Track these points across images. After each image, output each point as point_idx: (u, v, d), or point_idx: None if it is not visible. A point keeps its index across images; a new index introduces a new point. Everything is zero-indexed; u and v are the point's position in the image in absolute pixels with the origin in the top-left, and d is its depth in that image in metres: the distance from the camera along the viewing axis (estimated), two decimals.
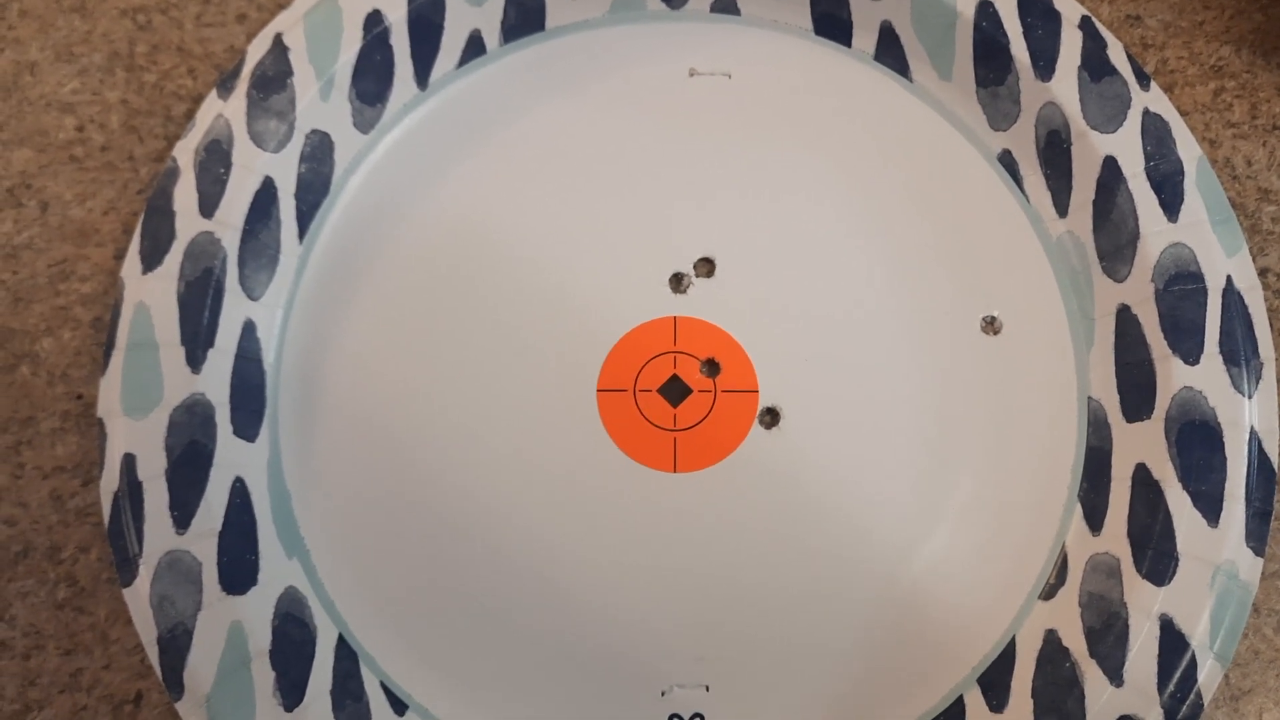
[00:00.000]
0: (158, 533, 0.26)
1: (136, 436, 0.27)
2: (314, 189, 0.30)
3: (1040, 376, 0.29)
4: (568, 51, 0.32)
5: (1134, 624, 0.26)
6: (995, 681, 0.27)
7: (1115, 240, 0.28)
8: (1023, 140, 0.30)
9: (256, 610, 0.27)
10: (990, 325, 0.29)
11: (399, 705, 0.28)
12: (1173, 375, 0.27)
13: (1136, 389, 0.28)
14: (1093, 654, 0.26)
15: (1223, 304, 0.27)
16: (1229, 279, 0.28)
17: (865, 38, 0.31)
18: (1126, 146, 0.28)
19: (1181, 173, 0.28)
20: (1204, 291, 0.27)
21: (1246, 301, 0.28)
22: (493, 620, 0.28)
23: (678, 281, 0.30)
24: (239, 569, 0.27)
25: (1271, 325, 0.29)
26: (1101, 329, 0.29)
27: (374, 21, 0.30)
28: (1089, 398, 0.29)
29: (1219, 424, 0.27)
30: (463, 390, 0.29)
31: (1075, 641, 0.27)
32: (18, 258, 0.30)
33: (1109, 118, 0.29)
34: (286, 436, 0.29)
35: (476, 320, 0.30)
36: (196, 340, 0.28)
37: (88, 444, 0.29)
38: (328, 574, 0.28)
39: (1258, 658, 0.28)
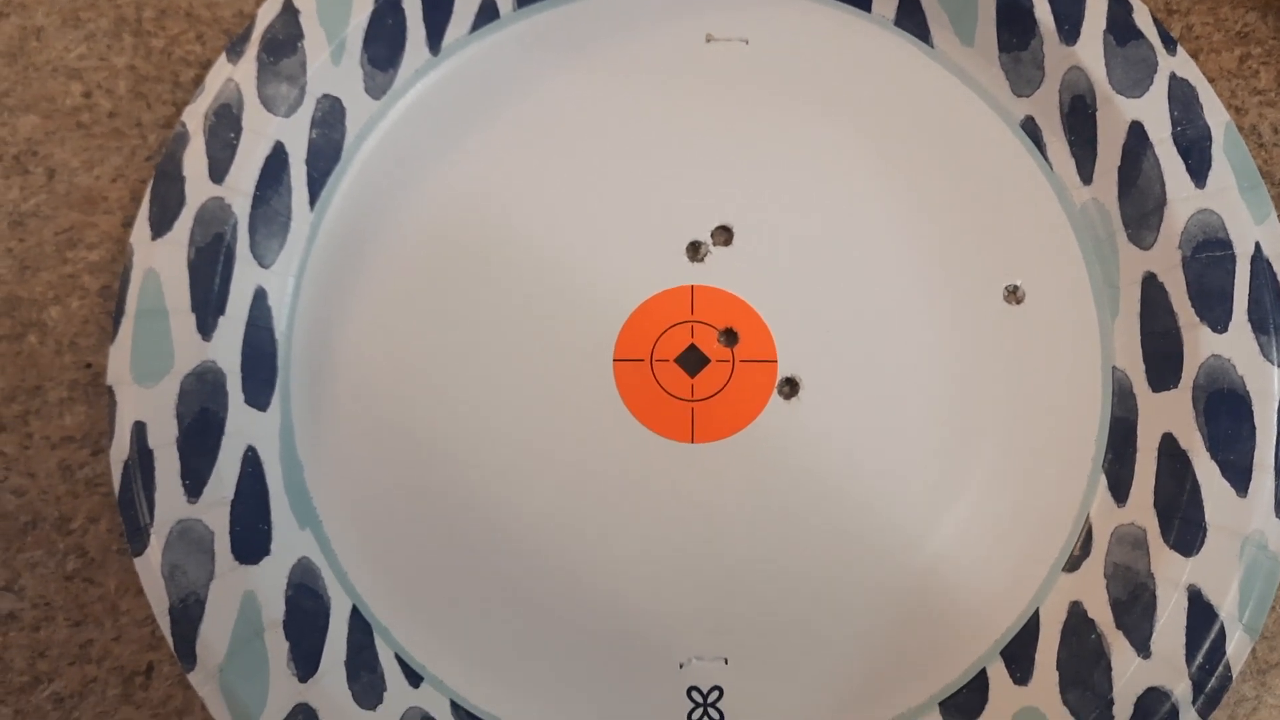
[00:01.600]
0: (169, 502, 0.26)
1: (147, 404, 0.26)
2: (325, 155, 0.29)
3: (1064, 346, 0.29)
4: (582, 16, 0.31)
5: (1161, 595, 0.25)
6: (1018, 654, 0.27)
7: (1141, 207, 0.28)
8: (1046, 106, 0.29)
9: (269, 580, 0.26)
10: (1013, 294, 0.29)
11: (414, 677, 0.27)
12: (1200, 343, 0.27)
13: (1163, 358, 0.27)
14: (1119, 625, 0.26)
15: (1251, 271, 0.27)
16: (1258, 245, 0.27)
17: (885, 2, 0.31)
18: (1153, 112, 0.28)
19: (1209, 138, 0.28)
20: (1232, 258, 0.27)
21: (1275, 269, 0.27)
22: (508, 592, 0.28)
23: (695, 250, 0.29)
24: (251, 539, 0.26)
25: None
26: (1126, 298, 0.28)
27: None
28: (1114, 367, 0.28)
29: (1248, 393, 0.26)
30: (477, 359, 0.29)
31: (1101, 613, 0.26)
32: (24, 225, 0.29)
33: (1135, 82, 0.28)
34: (298, 406, 0.28)
35: (490, 288, 0.29)
36: (207, 307, 0.27)
37: (96, 413, 0.29)
38: (341, 545, 0.28)
39: None
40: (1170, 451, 0.27)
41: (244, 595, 0.26)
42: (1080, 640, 0.26)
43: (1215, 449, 0.26)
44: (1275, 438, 0.26)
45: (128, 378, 0.27)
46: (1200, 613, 0.25)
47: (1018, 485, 0.28)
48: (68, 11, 0.31)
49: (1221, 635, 0.25)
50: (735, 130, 0.30)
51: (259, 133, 0.28)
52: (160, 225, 0.27)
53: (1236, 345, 0.26)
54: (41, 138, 0.30)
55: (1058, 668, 0.26)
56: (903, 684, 0.27)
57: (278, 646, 0.26)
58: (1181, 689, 0.25)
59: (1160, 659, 0.25)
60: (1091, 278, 0.29)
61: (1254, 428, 0.26)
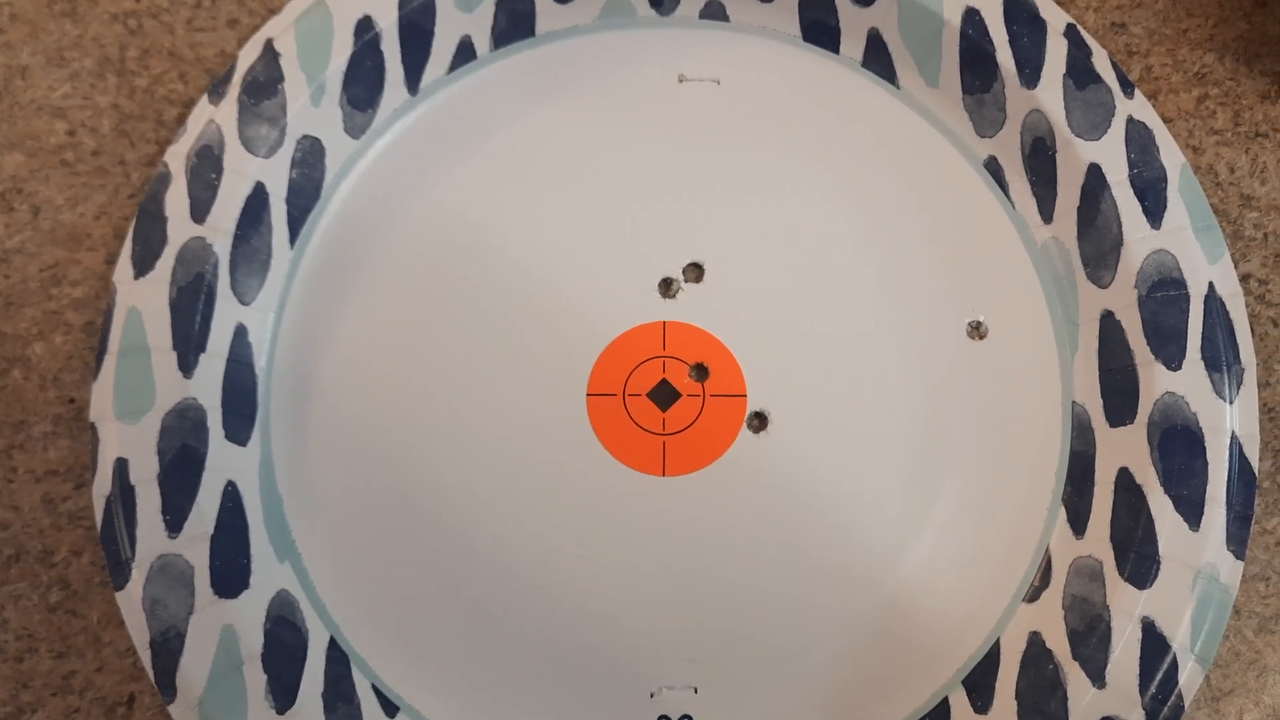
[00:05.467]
0: (150, 536, 0.27)
1: (129, 441, 0.27)
2: (305, 194, 0.30)
3: (1025, 381, 0.29)
4: (557, 57, 0.32)
5: (1116, 626, 0.26)
6: (980, 683, 0.28)
7: (1099, 246, 0.29)
8: (1008, 147, 0.30)
9: (248, 613, 0.27)
10: (976, 330, 0.30)
11: (390, 707, 0.28)
12: (1155, 381, 0.27)
13: (1120, 394, 0.28)
14: (1076, 656, 0.27)
15: (1205, 310, 0.28)
16: (1211, 285, 0.28)
17: (853, 44, 0.32)
18: (1110, 154, 0.29)
19: (1164, 180, 0.29)
20: (1186, 298, 0.28)
21: (1228, 307, 0.28)
22: (483, 622, 0.28)
23: (667, 286, 0.30)
24: (231, 572, 0.27)
25: (1253, 331, 0.29)
26: (1086, 334, 0.29)
27: (365, 27, 0.30)
28: (1073, 402, 0.29)
29: (1200, 429, 0.27)
30: (453, 394, 0.29)
31: (1059, 643, 0.27)
32: (9, 262, 0.30)
33: (1093, 125, 0.29)
34: (278, 440, 0.29)
35: (467, 324, 0.30)
36: (188, 345, 0.28)
37: (79, 448, 0.29)
38: (319, 577, 0.29)
39: (1238, 659, 0.28)
40: (1126, 486, 0.27)
41: (223, 629, 0.26)
42: (1039, 670, 0.27)
43: (1169, 484, 0.27)
44: (1227, 473, 0.27)
45: (110, 415, 0.27)
46: (1154, 644, 0.26)
47: (980, 517, 0.29)
48: (52, 51, 0.31)
49: (1174, 666, 0.26)
50: (707, 169, 0.31)
51: (240, 173, 0.29)
52: (143, 264, 0.28)
53: (1190, 383, 0.27)
54: (26, 175, 0.31)
55: (1017, 697, 0.27)
56: (868, 712, 0.28)
57: (256, 679, 0.26)
58: (1135, 718, 0.26)
59: (1115, 689, 0.26)
60: (1052, 314, 0.30)
61: (1206, 463, 0.27)
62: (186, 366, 0.28)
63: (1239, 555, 0.27)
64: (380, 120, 0.31)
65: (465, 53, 0.31)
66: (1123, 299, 0.28)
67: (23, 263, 0.30)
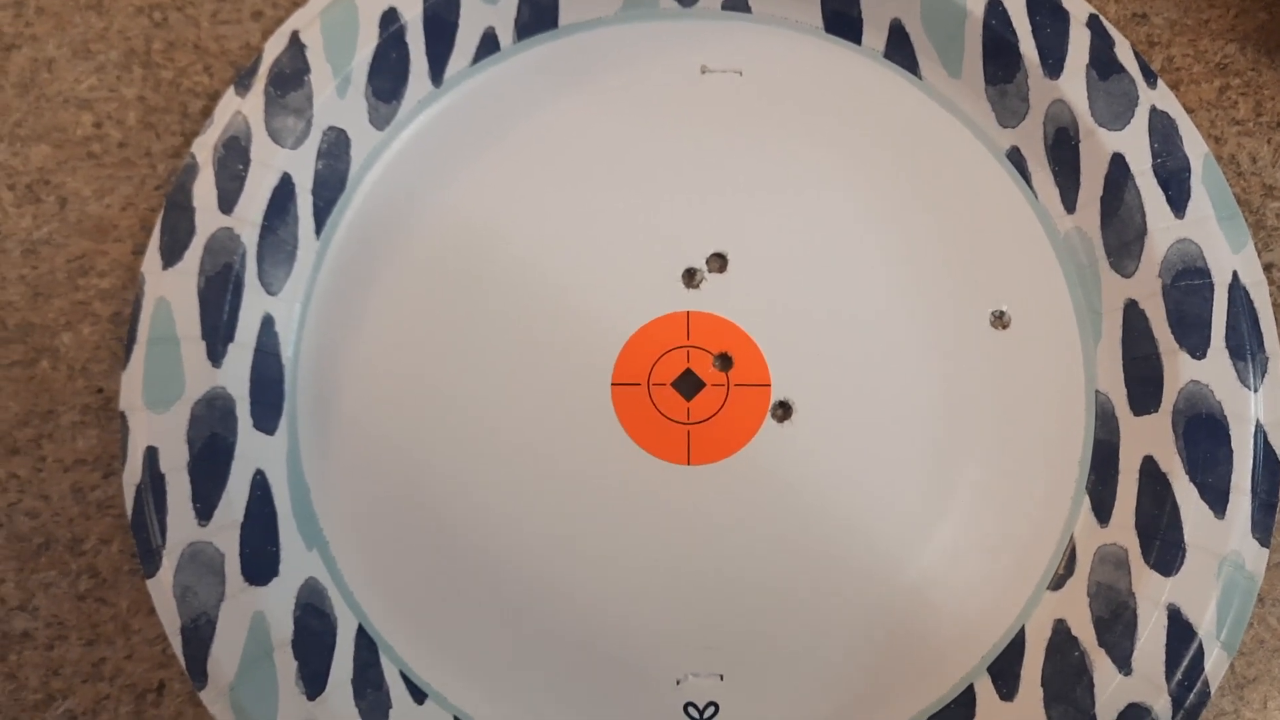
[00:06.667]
0: (180, 524, 0.27)
1: (158, 430, 0.27)
2: (331, 185, 0.30)
3: (1048, 370, 0.30)
4: (580, 49, 0.32)
5: (1142, 614, 0.26)
6: (1005, 670, 0.28)
7: (1122, 236, 0.29)
8: (1031, 137, 0.30)
9: (278, 601, 0.27)
10: (999, 320, 0.30)
11: (418, 694, 0.28)
12: (1180, 369, 0.27)
13: (1144, 383, 0.28)
14: (1101, 643, 0.27)
15: (1229, 299, 0.28)
16: (1235, 274, 0.28)
17: (875, 35, 0.32)
18: (1134, 144, 0.29)
19: (1188, 169, 0.29)
20: (1210, 287, 0.28)
21: (1252, 296, 0.28)
22: (510, 610, 0.28)
23: (690, 276, 0.30)
24: (260, 560, 0.27)
25: (1277, 320, 0.30)
26: (1109, 323, 0.29)
27: (390, 19, 0.30)
28: (1097, 391, 0.29)
29: (1225, 417, 0.27)
30: (478, 383, 0.30)
31: (1084, 631, 0.27)
32: (37, 253, 0.30)
33: (1116, 115, 0.29)
34: (305, 429, 0.29)
35: (491, 314, 0.30)
36: (217, 335, 0.28)
37: (108, 437, 0.29)
38: (347, 565, 0.29)
39: (1263, 646, 0.28)
40: (1151, 474, 0.28)
41: (254, 615, 0.27)
42: (1064, 657, 0.27)
43: (1194, 472, 0.27)
44: (1251, 461, 0.27)
45: (140, 404, 0.27)
46: (1179, 631, 0.26)
47: (1004, 505, 0.29)
48: (78, 44, 0.32)
49: (1200, 653, 0.26)
50: (730, 159, 0.31)
51: (266, 164, 0.29)
52: (171, 255, 0.28)
53: (1214, 371, 0.27)
54: (53, 167, 0.31)
55: (1042, 684, 0.27)
56: (893, 699, 0.28)
57: (286, 665, 0.27)
58: (1161, 705, 0.26)
59: (1141, 676, 0.26)
60: (1075, 304, 0.30)
61: (1231, 451, 0.27)
62: (215, 356, 0.28)
63: (1264, 543, 0.27)
64: (405, 111, 0.31)
65: (489, 44, 0.32)
66: (1146, 288, 0.28)
67: (50, 254, 0.30)
